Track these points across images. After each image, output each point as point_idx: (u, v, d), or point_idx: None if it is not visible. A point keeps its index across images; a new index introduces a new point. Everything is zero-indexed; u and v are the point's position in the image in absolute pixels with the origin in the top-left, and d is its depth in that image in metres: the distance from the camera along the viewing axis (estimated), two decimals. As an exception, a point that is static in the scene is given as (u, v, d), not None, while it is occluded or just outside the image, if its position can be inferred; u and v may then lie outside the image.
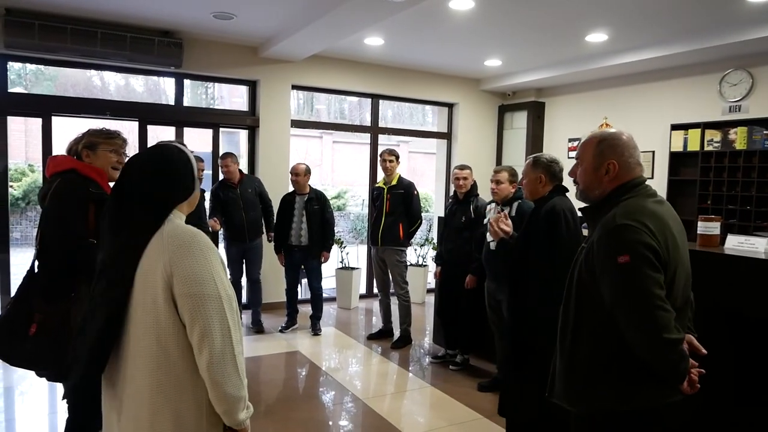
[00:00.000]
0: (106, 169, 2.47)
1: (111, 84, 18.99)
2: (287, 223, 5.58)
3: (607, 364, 1.74)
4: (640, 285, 1.63)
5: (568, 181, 2.43)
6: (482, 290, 4.41)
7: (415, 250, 7.51)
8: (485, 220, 4.26)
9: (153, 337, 1.45)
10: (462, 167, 4.78)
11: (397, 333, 5.55)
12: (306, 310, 5.96)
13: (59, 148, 4.71)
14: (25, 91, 10.82)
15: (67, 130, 3.93)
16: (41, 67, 16.13)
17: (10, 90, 5.63)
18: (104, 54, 5.42)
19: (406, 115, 30.42)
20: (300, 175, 5.57)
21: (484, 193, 4.59)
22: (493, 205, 4.25)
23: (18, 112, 5.65)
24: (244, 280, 5.80)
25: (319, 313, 5.79)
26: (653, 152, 6.36)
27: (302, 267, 5.74)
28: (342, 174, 21.17)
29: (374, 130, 7.48)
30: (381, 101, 7.45)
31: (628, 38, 5.65)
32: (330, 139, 23.10)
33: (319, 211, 5.54)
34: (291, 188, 5.73)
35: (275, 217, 5.75)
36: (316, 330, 5.74)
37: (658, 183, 6.13)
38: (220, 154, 5.79)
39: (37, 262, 2.35)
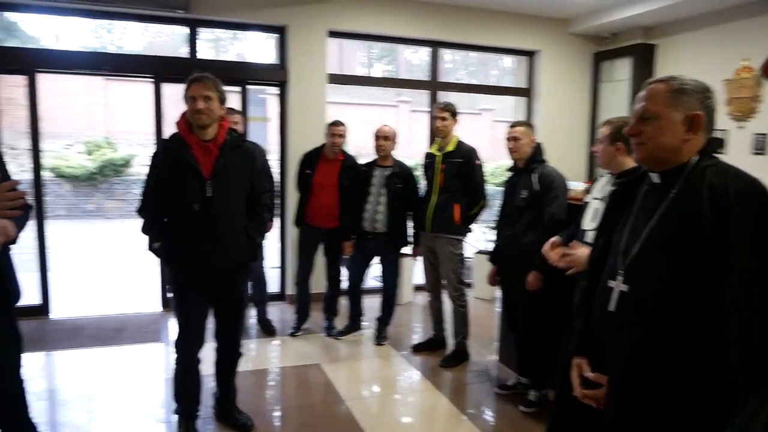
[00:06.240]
0: None
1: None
2: (361, 202, 4.33)
3: None
4: None
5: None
6: (560, 292, 3.05)
7: (484, 233, 6.15)
8: (587, 198, 2.82)
9: None
10: (515, 124, 3.38)
11: (451, 344, 4.29)
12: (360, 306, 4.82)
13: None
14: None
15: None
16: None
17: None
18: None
19: (482, 77, 28.22)
20: (389, 138, 4.25)
21: (561, 164, 3.17)
22: (607, 176, 2.74)
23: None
24: None
25: (389, 318, 4.61)
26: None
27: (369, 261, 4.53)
28: (421, 146, 19.76)
29: (433, 85, 6.09)
30: (443, 50, 6.06)
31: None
32: (407, 108, 21.76)
33: (402, 190, 4.23)
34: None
35: (352, 194, 4.39)
36: (381, 338, 4.58)
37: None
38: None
39: None
